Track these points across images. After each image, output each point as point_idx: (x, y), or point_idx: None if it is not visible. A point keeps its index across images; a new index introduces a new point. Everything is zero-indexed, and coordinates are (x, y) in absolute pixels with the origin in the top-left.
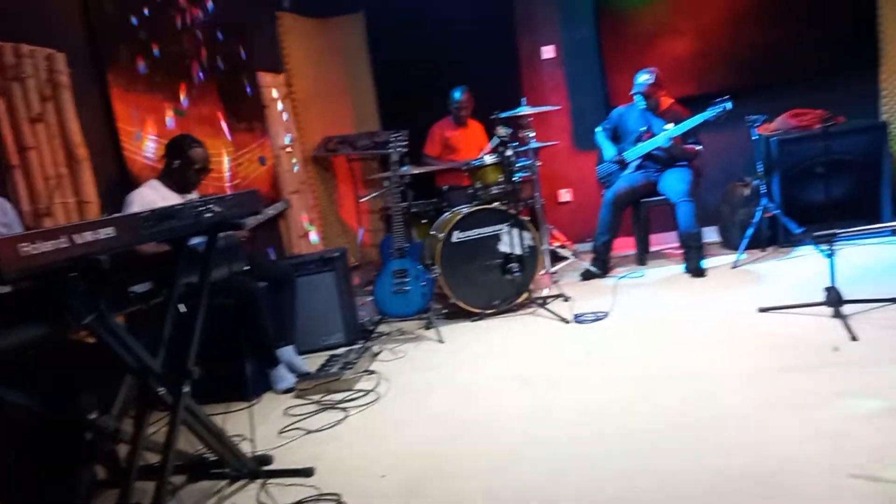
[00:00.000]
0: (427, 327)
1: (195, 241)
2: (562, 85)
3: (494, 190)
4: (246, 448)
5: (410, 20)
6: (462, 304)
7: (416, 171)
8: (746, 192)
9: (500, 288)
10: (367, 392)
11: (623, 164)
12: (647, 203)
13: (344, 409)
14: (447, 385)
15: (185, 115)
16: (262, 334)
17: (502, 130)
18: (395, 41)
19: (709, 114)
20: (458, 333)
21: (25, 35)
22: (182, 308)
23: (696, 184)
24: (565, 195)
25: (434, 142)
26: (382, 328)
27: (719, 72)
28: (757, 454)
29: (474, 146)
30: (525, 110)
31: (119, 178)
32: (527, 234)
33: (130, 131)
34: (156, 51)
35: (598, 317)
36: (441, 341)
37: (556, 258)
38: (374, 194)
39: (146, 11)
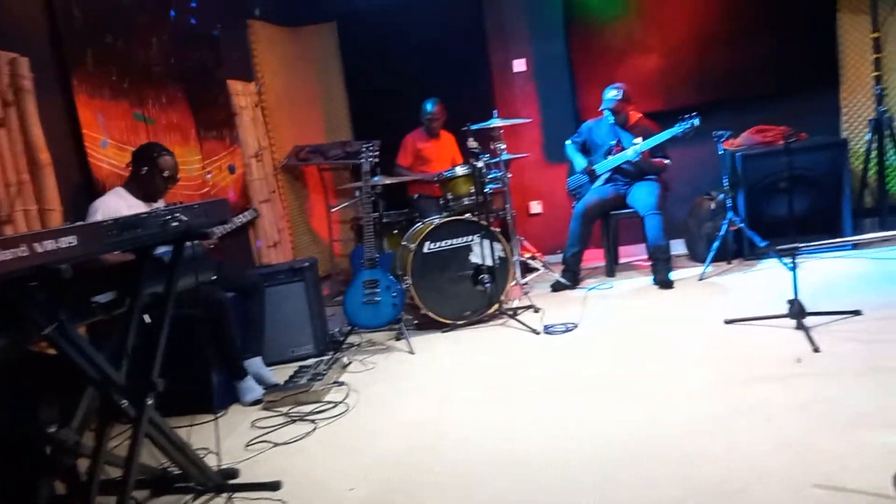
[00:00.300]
0: (398, 338)
1: (161, 250)
2: (533, 98)
3: (466, 201)
4: (211, 461)
5: (383, 31)
6: (433, 315)
7: (388, 181)
8: (712, 205)
9: (471, 299)
10: (337, 404)
11: (593, 176)
12: (616, 216)
13: (312, 421)
14: (417, 396)
15: (153, 123)
16: (229, 345)
17: (473, 142)
18: (368, 51)
19: (677, 129)
20: (429, 344)
21: None
22: (147, 318)
23: (663, 197)
24: (536, 207)
25: (406, 152)
26: (352, 339)
27: (686, 88)
28: (724, 465)
29: (446, 157)
30: (496, 122)
31: (84, 186)
32: (498, 246)
33: (96, 138)
34: (124, 57)
35: (568, 328)
36: (412, 352)
37: (526, 269)
38: (346, 204)
39: (115, 17)
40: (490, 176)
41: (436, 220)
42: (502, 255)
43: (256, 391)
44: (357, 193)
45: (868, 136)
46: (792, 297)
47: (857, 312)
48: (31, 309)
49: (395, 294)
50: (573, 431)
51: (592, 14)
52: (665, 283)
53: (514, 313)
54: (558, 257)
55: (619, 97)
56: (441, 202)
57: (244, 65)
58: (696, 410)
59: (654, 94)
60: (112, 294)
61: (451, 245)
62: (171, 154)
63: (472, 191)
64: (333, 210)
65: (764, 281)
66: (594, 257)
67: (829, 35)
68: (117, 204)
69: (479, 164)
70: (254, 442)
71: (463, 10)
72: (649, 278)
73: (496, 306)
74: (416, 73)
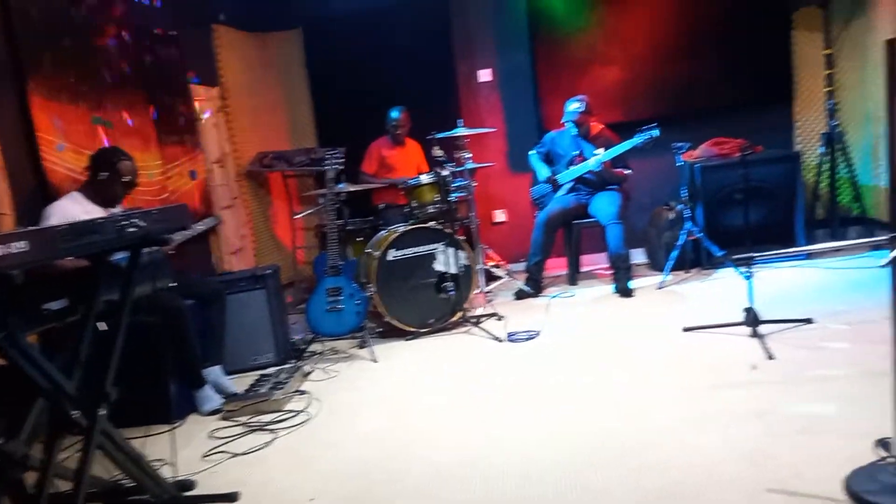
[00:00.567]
0: (361, 346)
1: (118, 255)
2: (498, 108)
3: (431, 209)
4: (167, 473)
5: (349, 39)
6: (397, 323)
7: (352, 188)
8: (672, 215)
9: (434, 307)
10: (298, 413)
11: (556, 185)
12: (578, 225)
13: (273, 430)
14: (380, 405)
15: (112, 127)
16: (188, 354)
17: (438, 151)
18: (334, 59)
19: (637, 140)
20: (393, 352)
21: None
22: (102, 326)
23: (624, 207)
24: (500, 216)
25: (371, 160)
26: (315, 347)
27: (646, 100)
28: (681, 472)
29: (411, 165)
30: (461, 131)
31: (37, 190)
32: (462, 254)
33: (52, 141)
34: (83, 61)
35: (531, 335)
36: (375, 360)
37: (490, 277)
38: (309, 211)
39: (74, 19)
40: (455, 184)
41: (400, 227)
42: (466, 263)
43: (215, 400)
44: (321, 200)
45: (820, 150)
46: (748, 305)
47: (809, 320)
48: None
49: (358, 302)
50: (535, 440)
51: (556, 27)
52: (626, 292)
53: (477, 321)
54: (522, 265)
55: (581, 109)
56: (406, 210)
57: (208, 70)
58: (655, 418)
59: (615, 105)
60: (65, 301)
61: (416, 253)
62: (130, 159)
63: (437, 199)
64: (297, 217)
65: (721, 290)
66: (557, 266)
67: (783, 51)
68: (73, 209)
69: (445, 172)
70: (211, 452)
71: (429, 20)
72: (610, 287)
73: (460, 314)
74: (382, 81)
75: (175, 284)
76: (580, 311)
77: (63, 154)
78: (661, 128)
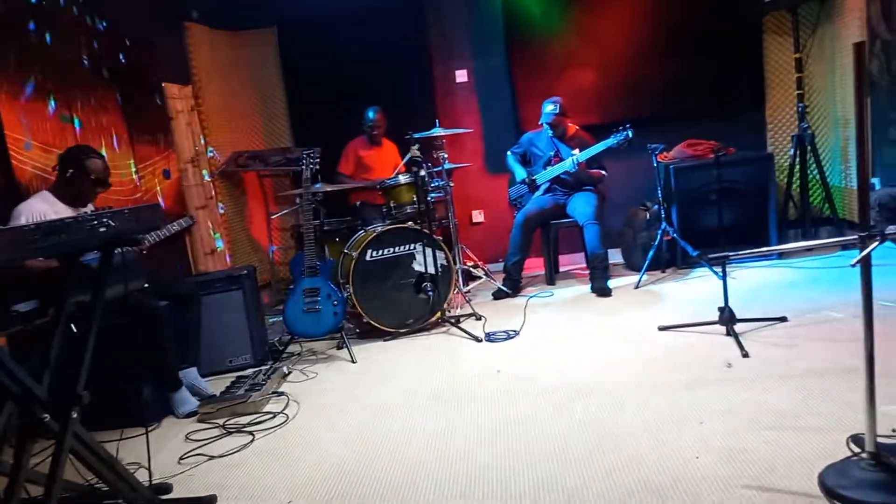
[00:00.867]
0: (339, 347)
1: (90, 256)
2: (475, 109)
3: (408, 209)
4: (142, 477)
5: (325, 38)
6: (375, 324)
7: (329, 188)
8: (647, 216)
9: (413, 307)
10: (276, 414)
11: (533, 186)
12: (555, 225)
13: (250, 432)
14: (359, 405)
15: (81, 125)
16: (162, 356)
17: (416, 151)
18: (309, 58)
19: (612, 140)
20: (371, 353)
21: None
22: (74, 328)
23: (601, 207)
24: (478, 216)
25: (348, 160)
26: (293, 348)
27: (621, 102)
28: (657, 468)
29: (388, 165)
30: (438, 132)
31: (6, 190)
32: (440, 254)
33: (19, 139)
34: (50, 58)
35: (509, 335)
36: (353, 361)
37: (468, 278)
38: (286, 211)
39: (41, 16)
40: (433, 185)
41: (378, 227)
42: (445, 263)
43: (191, 403)
44: (298, 200)
45: (791, 152)
46: (722, 304)
47: (783, 319)
48: None
49: (336, 302)
50: (513, 436)
51: (532, 29)
52: (603, 291)
53: (456, 321)
54: (500, 266)
55: (557, 111)
56: (383, 210)
57: (181, 68)
58: (632, 415)
59: (590, 107)
60: (35, 302)
61: (394, 253)
62: (101, 157)
63: (415, 199)
64: (273, 217)
65: (696, 289)
66: (535, 266)
67: (755, 55)
68: (42, 208)
69: (422, 172)
70: (188, 455)
71: (406, 20)
72: (588, 286)
73: (438, 314)
74: (359, 82)
75: (148, 285)
76: (558, 310)
77: (31, 153)
78: (635, 129)
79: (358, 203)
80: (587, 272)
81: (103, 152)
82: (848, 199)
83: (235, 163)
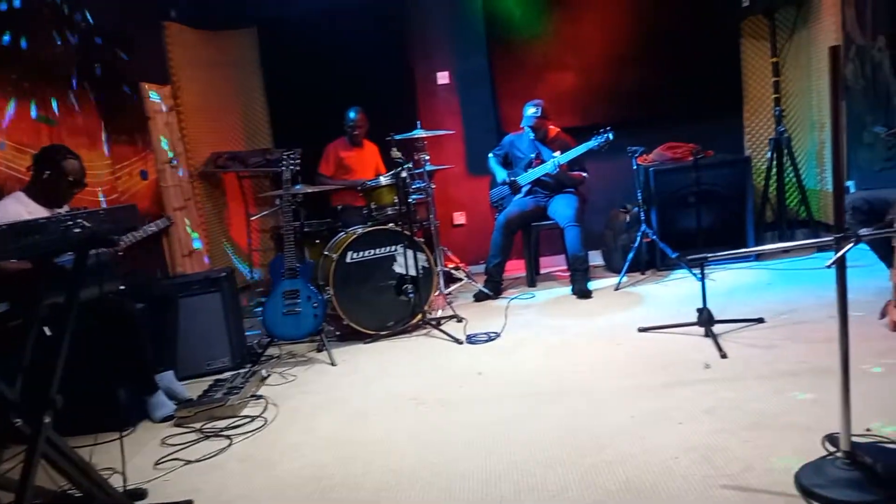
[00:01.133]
0: (319, 350)
1: (65, 257)
2: (456, 110)
3: (389, 211)
4: (117, 482)
5: (306, 39)
6: (355, 326)
7: (309, 189)
8: (627, 218)
9: (394, 309)
10: (254, 418)
11: (515, 188)
12: (537, 227)
13: (228, 436)
14: (338, 408)
15: (56, 125)
16: (138, 359)
17: (396, 152)
18: (290, 59)
19: (593, 143)
20: (351, 355)
21: None
22: (47, 331)
23: (582, 209)
24: (459, 218)
25: (329, 161)
26: (272, 351)
27: (601, 105)
28: (637, 468)
29: (369, 167)
30: (420, 133)
31: None
32: (421, 256)
33: None
34: (25, 57)
35: (490, 337)
36: (333, 364)
37: (450, 280)
38: (265, 213)
39: (16, 13)
40: (414, 186)
41: (359, 229)
42: (426, 265)
43: (168, 407)
44: (277, 202)
45: (768, 155)
46: (701, 305)
47: (760, 320)
48: None
49: (316, 305)
50: (494, 438)
51: (513, 31)
52: (583, 293)
53: (437, 323)
54: (481, 268)
55: (538, 114)
56: (364, 212)
57: (159, 67)
58: (612, 416)
59: (571, 110)
60: (6, 305)
61: (375, 255)
62: (76, 157)
63: (396, 201)
64: (253, 219)
65: (675, 290)
66: (516, 268)
67: (733, 59)
68: (17, 209)
69: (403, 174)
70: (164, 460)
71: (387, 22)
72: (568, 288)
73: (419, 316)
74: (339, 82)
75: (125, 287)
76: (539, 312)
77: (4, 153)
78: (615, 132)
79: (339, 205)
80: (568, 274)
81: (79, 153)
82: (823, 201)
83: (214, 164)
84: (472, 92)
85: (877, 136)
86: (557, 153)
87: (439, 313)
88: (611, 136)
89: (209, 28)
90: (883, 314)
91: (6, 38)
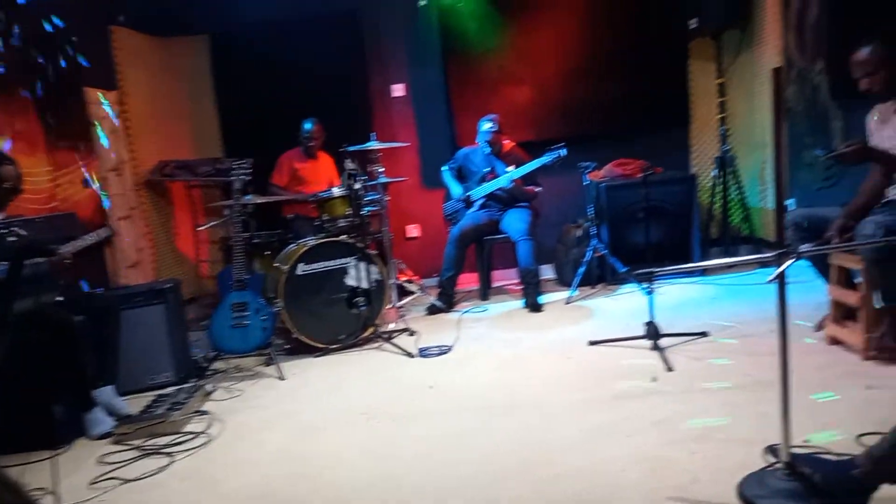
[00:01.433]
0: (267, 363)
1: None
2: (411, 123)
3: (342, 223)
4: (49, 503)
5: (260, 48)
6: (305, 339)
7: (260, 200)
8: (579, 233)
9: (345, 322)
10: (198, 434)
11: (469, 203)
12: (490, 241)
13: (169, 453)
14: (287, 423)
15: None
16: (76, 373)
17: (350, 164)
18: (243, 68)
19: (546, 158)
20: (301, 369)
21: None
22: None
23: (534, 224)
24: (413, 231)
25: (282, 172)
26: (218, 365)
27: (555, 120)
28: (587, 481)
29: (323, 178)
30: (374, 145)
31: None
32: (374, 268)
33: None
34: None
35: (442, 350)
36: (282, 378)
37: (402, 293)
38: (214, 223)
39: None
40: (367, 198)
41: (310, 241)
42: (378, 277)
43: (106, 423)
44: (227, 212)
45: (714, 173)
46: (648, 319)
47: (704, 334)
48: None
49: (265, 317)
50: (446, 451)
51: (469, 45)
52: (535, 307)
53: (389, 337)
54: (434, 281)
55: (495, 128)
56: (317, 223)
57: (105, 73)
58: (563, 429)
59: (525, 125)
60: None
61: (326, 267)
62: (12, 163)
63: (349, 212)
64: (201, 229)
65: (625, 304)
66: (469, 281)
67: (681, 79)
68: None
69: (357, 185)
70: (100, 479)
71: (342, 32)
72: (521, 301)
73: (371, 330)
74: (293, 93)
75: (63, 298)
76: (491, 325)
77: None
78: (568, 147)
79: (291, 216)
80: (520, 288)
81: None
82: (765, 219)
83: (161, 172)
84: (427, 105)
85: (816, 157)
86: (511, 168)
87: (391, 326)
88: (564, 152)
89: (159, 34)
90: (820, 327)
91: None
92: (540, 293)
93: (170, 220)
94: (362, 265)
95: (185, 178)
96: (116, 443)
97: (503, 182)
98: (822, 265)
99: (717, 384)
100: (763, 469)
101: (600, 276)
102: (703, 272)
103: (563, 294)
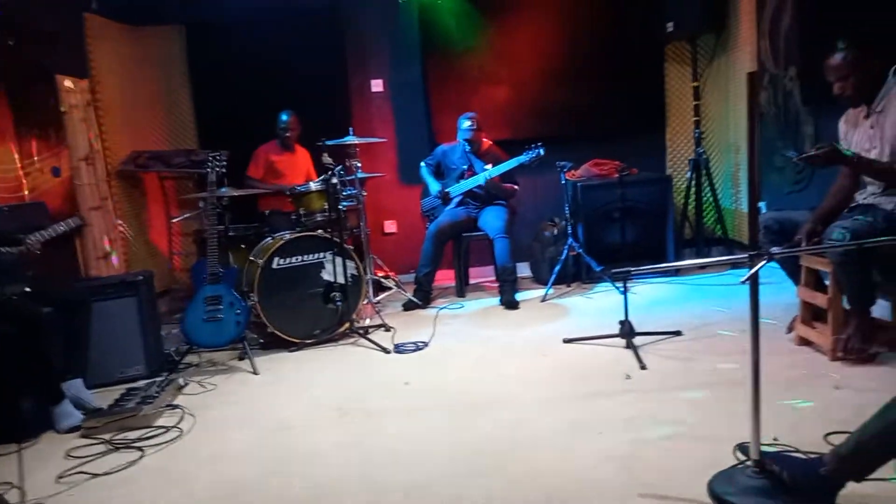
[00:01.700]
0: (241, 358)
1: None
2: (389, 119)
3: (319, 217)
4: (14, 498)
5: (237, 40)
6: (280, 334)
7: (236, 193)
8: (555, 231)
9: (321, 317)
10: (169, 429)
11: (446, 199)
12: (467, 237)
13: (140, 448)
14: (260, 419)
15: None
16: (44, 365)
17: (328, 158)
18: (219, 59)
19: (524, 157)
20: (275, 364)
21: None
22: None
23: (511, 221)
24: (390, 227)
25: (258, 164)
26: (191, 359)
27: (533, 120)
28: (559, 477)
29: (300, 172)
30: (352, 140)
31: None
32: (351, 264)
33: None
34: None
35: (418, 346)
36: (256, 372)
37: (379, 288)
38: (188, 215)
39: None
40: (345, 193)
41: (286, 235)
42: (355, 273)
43: (75, 417)
44: (202, 204)
45: (688, 174)
46: (623, 318)
47: (678, 333)
48: None
49: (239, 311)
50: (420, 448)
51: (449, 43)
52: (511, 304)
53: (365, 332)
54: (411, 277)
55: (475, 126)
56: (293, 217)
57: (78, 60)
58: (536, 426)
59: (503, 123)
60: None
61: (302, 261)
62: None
63: (326, 207)
64: (175, 221)
65: (599, 303)
66: (445, 277)
67: (657, 82)
68: None
69: (334, 180)
70: (68, 473)
71: (321, 26)
72: (497, 299)
73: (347, 325)
74: (271, 86)
75: (31, 290)
76: (467, 322)
77: None
78: (546, 146)
79: (267, 210)
80: (496, 285)
81: None
82: (738, 220)
83: (135, 163)
84: (405, 101)
85: (787, 160)
86: (489, 166)
87: (367, 322)
88: (541, 151)
89: (134, 23)
90: (790, 328)
91: None
92: (516, 291)
93: (142, 211)
94: (339, 260)
95: (158, 169)
96: (85, 437)
97: (481, 180)
98: (792, 267)
99: (688, 383)
100: (733, 467)
101: (575, 275)
102: (677, 272)
103: (539, 292)
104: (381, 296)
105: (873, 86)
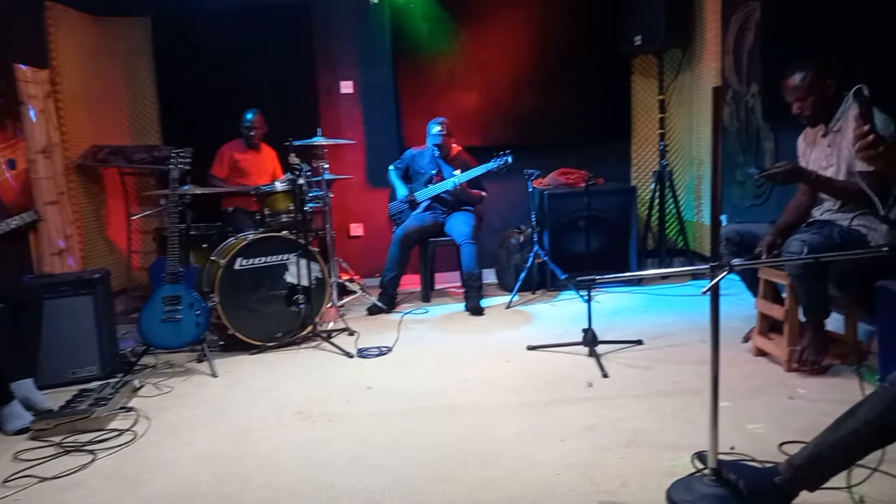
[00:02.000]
0: (199, 360)
1: None
2: (358, 121)
3: (284, 218)
4: None
5: (205, 35)
6: (241, 336)
7: (199, 191)
8: (521, 238)
9: (283, 320)
10: (123, 431)
11: (414, 204)
12: (433, 243)
13: (91, 451)
14: (218, 422)
15: None
16: None
17: (294, 158)
18: (185, 54)
19: (492, 164)
20: (235, 367)
21: None
22: None
23: (478, 228)
24: (356, 230)
25: (222, 163)
26: (147, 360)
27: (502, 127)
28: (521, 484)
29: (266, 171)
30: (320, 141)
31: None
32: (315, 266)
33: None
34: None
35: (382, 351)
36: (214, 375)
37: (343, 291)
38: (149, 213)
39: None
40: (311, 194)
41: (250, 235)
42: (319, 275)
43: (24, 418)
44: (163, 202)
45: (652, 186)
46: (586, 326)
47: (639, 342)
48: None
49: (198, 312)
50: (381, 453)
51: (420, 47)
52: (476, 310)
53: (328, 336)
54: (376, 281)
55: (445, 132)
56: (257, 217)
57: (37, 50)
58: (499, 432)
59: (472, 129)
60: None
61: (266, 263)
62: None
63: (291, 208)
64: (134, 218)
65: (563, 310)
66: (411, 282)
67: (624, 94)
68: None
69: (301, 180)
70: (15, 477)
71: (291, 24)
72: (462, 304)
73: (310, 328)
74: (238, 83)
75: None
76: (432, 327)
77: None
78: (514, 154)
79: (230, 209)
80: (462, 291)
81: None
82: (699, 232)
83: (95, 157)
84: (375, 104)
85: (749, 175)
86: (458, 171)
87: (331, 326)
88: (510, 158)
89: (97, 13)
90: (747, 338)
91: None
92: (481, 297)
93: (101, 207)
94: (303, 262)
95: (118, 164)
96: (34, 439)
97: (449, 185)
98: (751, 279)
99: (649, 391)
100: (691, 475)
101: (540, 282)
102: (639, 282)
103: (504, 298)
104: (346, 299)
105: (831, 106)
